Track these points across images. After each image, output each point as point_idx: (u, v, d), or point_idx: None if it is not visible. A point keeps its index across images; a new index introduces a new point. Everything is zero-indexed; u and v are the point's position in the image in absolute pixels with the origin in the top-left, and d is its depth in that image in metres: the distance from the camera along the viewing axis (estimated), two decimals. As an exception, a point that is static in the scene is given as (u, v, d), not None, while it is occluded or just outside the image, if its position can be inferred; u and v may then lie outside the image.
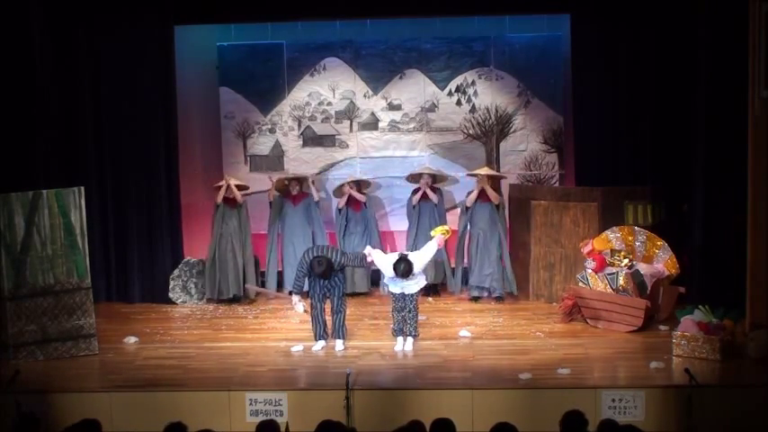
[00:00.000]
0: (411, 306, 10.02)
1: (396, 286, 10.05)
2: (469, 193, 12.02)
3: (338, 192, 12.46)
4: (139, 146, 12.20)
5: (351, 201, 12.35)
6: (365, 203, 12.32)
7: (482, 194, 11.96)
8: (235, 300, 12.10)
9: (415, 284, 10.04)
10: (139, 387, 8.96)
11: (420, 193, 12.14)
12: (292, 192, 12.33)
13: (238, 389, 8.80)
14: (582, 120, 12.20)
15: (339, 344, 10.07)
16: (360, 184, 12.44)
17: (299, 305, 10.16)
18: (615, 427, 6.33)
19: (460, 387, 8.78)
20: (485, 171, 12.12)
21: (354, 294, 12.00)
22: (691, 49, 11.35)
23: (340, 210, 12.33)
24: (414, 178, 12.37)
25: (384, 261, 10.11)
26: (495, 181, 12.10)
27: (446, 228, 10.63)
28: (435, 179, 12.31)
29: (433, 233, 10.48)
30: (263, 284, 12.47)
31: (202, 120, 13.11)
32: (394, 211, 12.60)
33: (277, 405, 8.64)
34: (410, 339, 10.06)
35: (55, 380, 9.22)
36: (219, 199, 12.09)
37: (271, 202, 12.43)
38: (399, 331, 10.07)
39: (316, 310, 10.09)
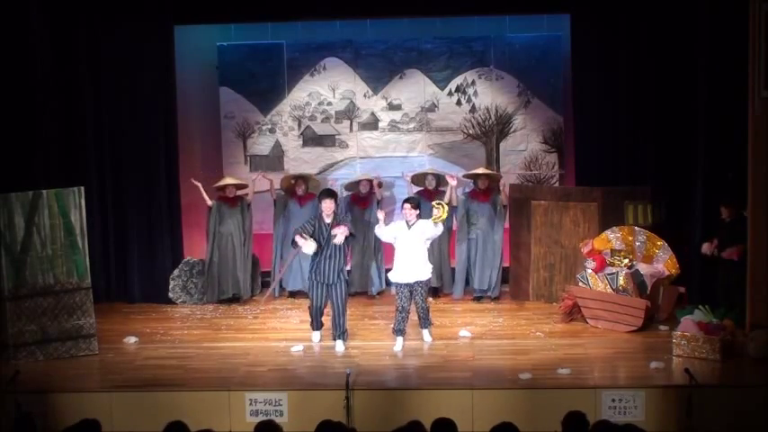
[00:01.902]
0: (419, 299, 10.04)
1: (401, 276, 10.00)
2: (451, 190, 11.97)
3: (353, 186, 12.35)
4: (139, 146, 12.20)
5: (355, 197, 12.29)
6: (379, 201, 12.26)
7: (479, 195, 11.96)
8: (234, 299, 12.10)
9: (422, 273, 10.03)
10: (139, 387, 8.96)
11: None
12: (298, 191, 12.28)
13: (238, 389, 8.80)
14: (582, 120, 12.21)
15: (339, 344, 10.09)
16: (371, 182, 12.30)
17: (310, 244, 9.89)
18: (610, 427, 6.32)
19: (460, 387, 8.78)
20: (481, 171, 12.12)
21: (358, 294, 12.11)
22: (691, 49, 11.36)
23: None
24: (417, 179, 12.29)
25: (390, 228, 10.17)
26: (493, 181, 12.08)
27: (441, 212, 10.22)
28: (440, 180, 12.24)
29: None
30: (262, 285, 12.52)
31: (202, 120, 13.11)
32: (394, 211, 12.56)
33: (277, 405, 8.65)
34: (425, 331, 10.20)
35: (55, 380, 9.22)
36: (209, 201, 12.05)
37: (275, 201, 12.40)
38: (399, 331, 10.07)
39: (316, 310, 10.20)
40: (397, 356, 9.81)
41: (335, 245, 9.97)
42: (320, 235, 10.03)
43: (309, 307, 10.33)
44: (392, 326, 10.17)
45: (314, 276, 10.13)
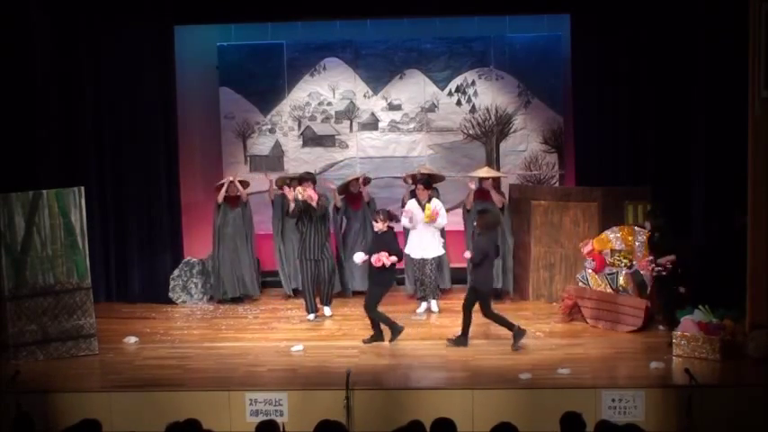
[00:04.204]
0: (428, 271, 11.24)
1: (416, 252, 11.15)
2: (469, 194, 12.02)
3: (343, 188, 12.38)
4: (139, 146, 12.21)
5: (350, 198, 12.30)
6: (369, 202, 12.28)
7: (483, 194, 11.96)
8: (236, 300, 12.12)
9: (433, 250, 11.20)
10: (139, 387, 8.96)
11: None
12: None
13: (238, 389, 8.80)
14: (582, 120, 12.21)
15: (327, 310, 11.39)
16: (363, 181, 12.39)
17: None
18: (611, 427, 6.33)
19: (460, 387, 8.78)
20: (484, 172, 12.11)
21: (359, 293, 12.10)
22: (691, 48, 11.36)
23: (338, 208, 12.27)
24: (412, 179, 12.28)
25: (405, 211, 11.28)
26: (495, 181, 12.08)
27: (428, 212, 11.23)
28: (434, 179, 12.23)
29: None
30: (263, 285, 12.54)
31: (202, 120, 13.11)
32: (394, 211, 12.52)
33: (277, 405, 8.65)
34: (434, 301, 11.39)
35: (55, 380, 9.22)
36: (220, 198, 12.10)
37: (273, 201, 12.41)
38: (421, 298, 11.39)
39: (308, 288, 11.22)
40: (397, 354, 9.81)
41: (318, 223, 11.11)
42: (304, 215, 11.09)
43: (302, 289, 11.40)
44: (416, 294, 11.57)
45: (302, 255, 11.22)
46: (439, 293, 11.57)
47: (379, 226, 10.27)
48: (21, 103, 11.62)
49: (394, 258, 10.09)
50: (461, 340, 10.02)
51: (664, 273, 10.24)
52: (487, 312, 9.99)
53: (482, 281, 10.02)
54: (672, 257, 10.02)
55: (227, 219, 12.15)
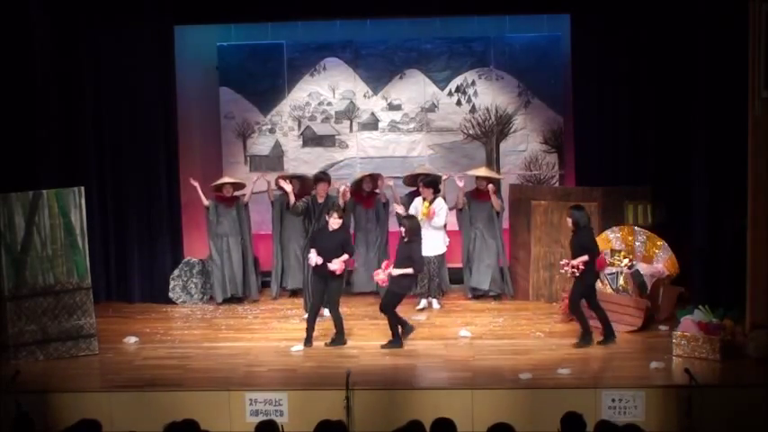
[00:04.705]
0: (433, 269, 11.44)
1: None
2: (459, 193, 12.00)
3: (355, 187, 12.24)
4: (139, 146, 12.21)
5: (360, 196, 12.21)
6: (385, 203, 12.22)
7: (479, 194, 11.95)
8: (235, 300, 12.12)
9: (434, 248, 11.34)
10: (139, 387, 8.97)
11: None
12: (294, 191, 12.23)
13: (238, 389, 8.80)
14: (582, 120, 12.21)
15: (327, 311, 10.77)
16: (374, 179, 12.27)
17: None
18: (611, 427, 6.33)
19: (460, 387, 8.79)
20: (482, 171, 12.10)
21: (356, 294, 12.07)
22: (691, 48, 11.36)
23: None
24: (411, 180, 12.23)
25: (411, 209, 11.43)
26: (493, 182, 12.05)
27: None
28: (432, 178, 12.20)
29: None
30: (262, 285, 12.51)
31: (202, 120, 13.11)
32: (394, 211, 12.51)
33: (277, 405, 8.65)
34: (434, 300, 11.61)
35: (55, 380, 9.23)
36: (204, 201, 12.04)
37: (272, 202, 12.39)
38: (421, 294, 11.47)
39: (308, 289, 10.91)
40: (396, 355, 9.81)
41: (324, 223, 10.52)
42: (312, 213, 11.10)
43: (303, 287, 11.29)
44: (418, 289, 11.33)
45: (305, 253, 10.80)
46: (441, 292, 11.72)
47: (337, 223, 10.14)
48: (21, 103, 11.62)
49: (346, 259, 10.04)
50: (395, 342, 10.01)
51: (576, 273, 10.06)
52: (387, 309, 10.01)
53: (405, 284, 10.05)
54: (584, 259, 9.90)
55: (222, 219, 12.12)
